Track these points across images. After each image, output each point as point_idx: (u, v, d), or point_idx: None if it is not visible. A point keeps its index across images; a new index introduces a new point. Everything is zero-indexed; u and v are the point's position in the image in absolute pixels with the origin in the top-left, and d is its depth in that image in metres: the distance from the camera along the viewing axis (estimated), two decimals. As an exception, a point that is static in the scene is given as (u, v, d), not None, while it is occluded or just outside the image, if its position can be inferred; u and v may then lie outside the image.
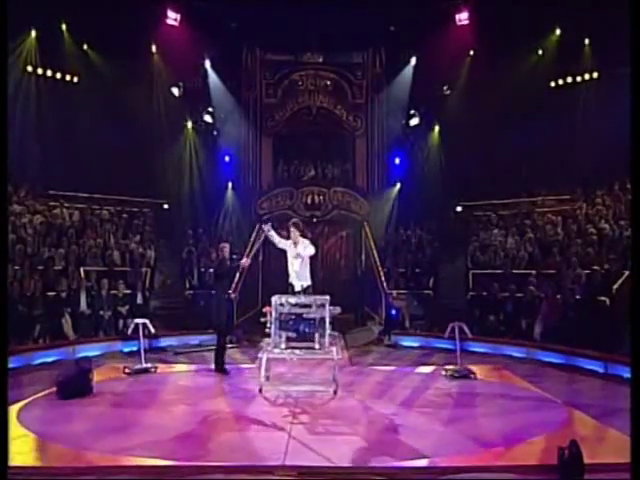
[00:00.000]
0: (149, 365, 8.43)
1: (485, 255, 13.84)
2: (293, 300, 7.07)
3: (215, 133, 15.95)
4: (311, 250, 7.52)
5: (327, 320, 6.94)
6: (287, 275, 7.81)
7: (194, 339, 11.05)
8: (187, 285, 13.11)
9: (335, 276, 15.91)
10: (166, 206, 15.50)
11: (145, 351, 8.84)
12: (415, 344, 11.22)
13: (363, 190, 16.27)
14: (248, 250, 13.13)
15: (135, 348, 9.53)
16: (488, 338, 10.47)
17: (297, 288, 7.42)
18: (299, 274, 7.56)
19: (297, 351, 6.93)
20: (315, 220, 16.01)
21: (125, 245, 13.46)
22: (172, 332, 10.82)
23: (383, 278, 13.07)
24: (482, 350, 10.25)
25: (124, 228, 14.40)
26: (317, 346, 6.96)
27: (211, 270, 12.83)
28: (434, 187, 15.50)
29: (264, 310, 7.30)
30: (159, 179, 14.77)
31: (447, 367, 8.34)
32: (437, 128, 16.14)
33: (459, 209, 15.55)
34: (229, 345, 10.56)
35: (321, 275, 15.99)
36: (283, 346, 7.00)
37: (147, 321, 8.63)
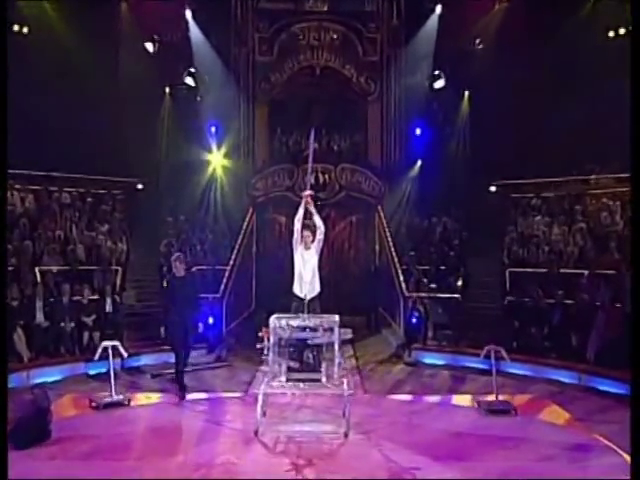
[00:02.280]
0: (121, 397, 8.12)
1: (525, 249, 13.39)
2: (295, 323, 6.86)
3: (198, 99, 15.68)
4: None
5: (336, 346, 6.77)
6: (290, 279, 7.49)
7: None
8: (165, 286, 12.17)
9: (343, 270, 16.01)
10: (140, 186, 15.24)
11: (116, 374, 8.59)
12: (440, 362, 10.96)
13: (377, 167, 16.16)
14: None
15: (104, 369, 9.18)
16: (529, 357, 10.13)
17: (302, 296, 7.17)
18: (309, 280, 7.30)
19: (300, 384, 6.79)
20: (319, 203, 15.92)
21: (91, 238, 13.12)
22: (148, 347, 10.45)
23: (401, 277, 12.80)
24: (522, 372, 9.89)
25: (89, 216, 13.99)
26: (324, 379, 6.83)
27: (195, 269, 12.71)
28: (462, 164, 15.34)
29: (260, 334, 7.38)
30: (131, 154, 14.35)
31: (481, 399, 8.07)
32: (467, 92, 15.86)
33: (493, 189, 15.10)
34: (215, 364, 10.58)
35: (327, 269, 15.73)
36: (283, 378, 6.86)
37: (117, 343, 8.25)
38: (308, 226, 7.47)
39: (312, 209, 7.27)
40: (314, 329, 6.83)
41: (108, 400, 8.00)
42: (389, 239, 14.64)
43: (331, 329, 6.78)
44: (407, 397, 8.72)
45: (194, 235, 14.59)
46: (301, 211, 7.23)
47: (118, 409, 7.95)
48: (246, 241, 15.04)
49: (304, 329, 6.85)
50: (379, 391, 9.08)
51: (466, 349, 10.93)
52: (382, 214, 15.59)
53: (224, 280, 12.74)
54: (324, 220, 16.59)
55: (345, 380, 6.92)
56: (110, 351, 8.19)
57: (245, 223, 15.23)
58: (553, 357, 10.21)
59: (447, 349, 11.21)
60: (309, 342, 6.92)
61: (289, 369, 6.94)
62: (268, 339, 6.94)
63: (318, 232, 7.33)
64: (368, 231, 16.33)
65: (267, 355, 6.94)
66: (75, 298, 10.89)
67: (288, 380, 6.86)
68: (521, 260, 13.12)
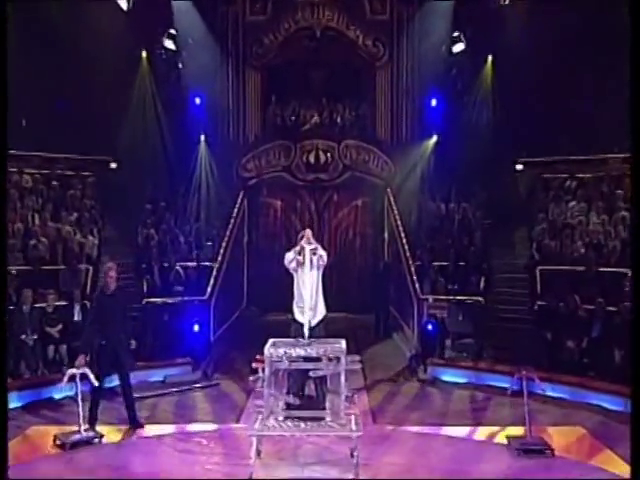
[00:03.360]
0: (91, 434, 7.68)
1: (558, 241, 12.87)
2: (295, 352, 6.57)
3: (180, 66, 15.29)
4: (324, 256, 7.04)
5: (343, 378, 6.51)
6: (286, 274, 7.23)
7: (156, 374, 10.46)
8: (145, 288, 12.34)
9: (348, 262, 16.15)
10: (114, 165, 14.92)
11: (84, 401, 8.01)
12: (461, 380, 10.62)
13: (386, 144, 16.03)
14: None
15: (72, 392, 8.57)
16: (564, 377, 9.73)
17: (307, 325, 6.82)
18: (311, 305, 6.98)
19: (301, 424, 6.53)
20: (320, 186, 16.00)
21: (56, 230, 12.63)
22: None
23: (415, 276, 12.57)
24: (557, 394, 9.46)
25: (54, 203, 13.46)
26: (329, 417, 6.57)
27: (179, 267, 12.60)
28: (485, 139, 14.80)
29: (254, 365, 7.05)
30: (103, 128, 13.96)
31: (511, 435, 7.63)
32: (490, 57, 15.31)
33: (520, 168, 14.83)
34: (201, 384, 10.19)
35: (329, 260, 15.82)
36: (281, 417, 6.60)
37: (87, 371, 7.73)
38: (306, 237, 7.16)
39: (311, 247, 6.95)
40: (317, 359, 6.57)
41: (77, 437, 7.55)
42: (400, 228, 14.45)
43: (337, 358, 6.51)
44: (423, 429, 8.30)
45: (177, 225, 14.30)
46: (292, 254, 6.95)
47: (87, 449, 7.51)
48: (236, 230, 15.00)
49: (305, 359, 6.58)
50: (390, 419, 8.73)
51: (490, 365, 10.67)
52: (392, 198, 15.38)
53: (211, 280, 12.66)
54: (325, 204, 16.74)
55: (353, 418, 6.61)
56: (77, 380, 7.68)
57: (235, 209, 15.07)
58: (593, 377, 9.72)
59: (468, 365, 10.89)
60: (311, 374, 6.69)
61: (288, 405, 6.69)
62: (262, 370, 6.61)
63: (321, 258, 7.11)
64: (376, 217, 16.25)
65: (261, 387, 6.62)
66: (38, 305, 10.48)
67: (286, 418, 6.58)
68: (554, 255, 12.61)
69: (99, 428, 7.93)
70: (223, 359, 11.64)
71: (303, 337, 6.79)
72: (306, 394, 7.01)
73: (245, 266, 16.02)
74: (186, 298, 11.74)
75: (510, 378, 9.30)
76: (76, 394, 7.79)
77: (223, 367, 11.25)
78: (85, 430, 7.64)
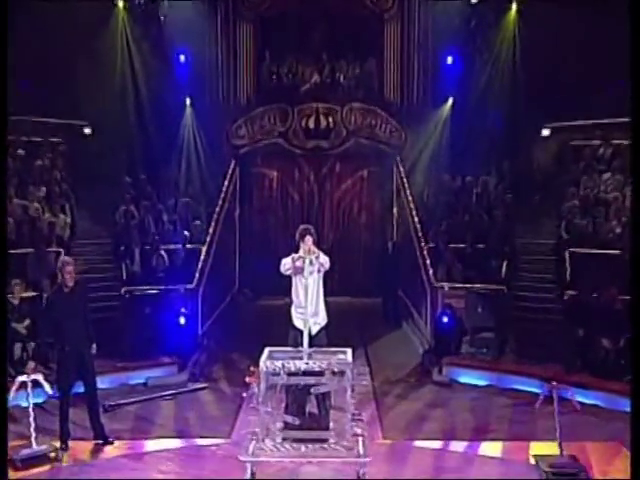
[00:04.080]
0: (43, 448, 7.29)
1: (590, 220, 12.45)
2: (294, 366, 6.37)
3: (162, 18, 14.87)
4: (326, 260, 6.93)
5: (349, 393, 6.33)
6: (288, 311, 7.20)
7: (137, 376, 10.20)
8: (124, 274, 12.08)
9: (352, 240, 16.14)
10: (88, 131, 14.73)
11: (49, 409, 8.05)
12: (481, 382, 10.33)
13: (395, 107, 15.77)
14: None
15: (40, 399, 8.48)
16: (598, 380, 9.51)
17: (307, 332, 6.64)
18: (312, 311, 6.86)
19: (302, 447, 6.36)
20: (321, 154, 15.79)
21: (22, 208, 12.25)
22: (101, 366, 9.28)
23: (428, 260, 12.33)
24: (590, 401, 9.10)
25: (20, 176, 13.00)
26: (333, 439, 6.42)
27: (163, 252, 12.38)
28: (507, 101, 14.61)
29: (247, 379, 6.67)
30: (74, 89, 13.83)
31: (539, 455, 7.23)
32: (514, 5, 14.82)
33: (546, 134, 14.57)
34: (188, 388, 9.92)
35: (330, 237, 15.88)
36: (278, 439, 6.41)
37: (39, 377, 7.45)
38: (310, 232, 6.99)
39: (312, 255, 6.76)
40: (319, 373, 6.41)
41: (26, 453, 7.18)
42: (411, 204, 14.23)
43: (342, 372, 6.35)
44: (439, 444, 8.02)
45: (160, 200, 14.00)
46: (289, 261, 6.80)
47: (44, 467, 7.17)
48: (227, 205, 14.80)
49: (305, 373, 6.40)
50: (402, 432, 8.43)
51: (514, 365, 10.45)
52: (402, 168, 15.19)
53: (199, 264, 12.37)
54: (326, 175, 16.51)
55: (360, 440, 6.41)
56: (29, 388, 7.34)
57: (226, 182, 14.84)
58: (631, 382, 9.22)
59: (489, 366, 10.62)
60: (312, 391, 6.52)
61: (286, 426, 6.50)
62: (258, 385, 6.42)
63: (322, 265, 6.92)
64: (384, 189, 16.08)
65: (256, 404, 6.42)
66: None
67: (284, 440, 6.39)
68: (585, 236, 12.21)
69: (59, 443, 7.59)
70: (213, 356, 11.42)
71: (303, 346, 6.58)
72: (307, 411, 6.82)
73: (237, 244, 15.86)
74: (171, 287, 11.38)
75: (536, 381, 9.38)
76: (32, 403, 7.49)
77: (213, 366, 11.06)
78: (37, 444, 7.32)
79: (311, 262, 6.70)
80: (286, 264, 6.85)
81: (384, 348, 12.12)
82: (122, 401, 9.19)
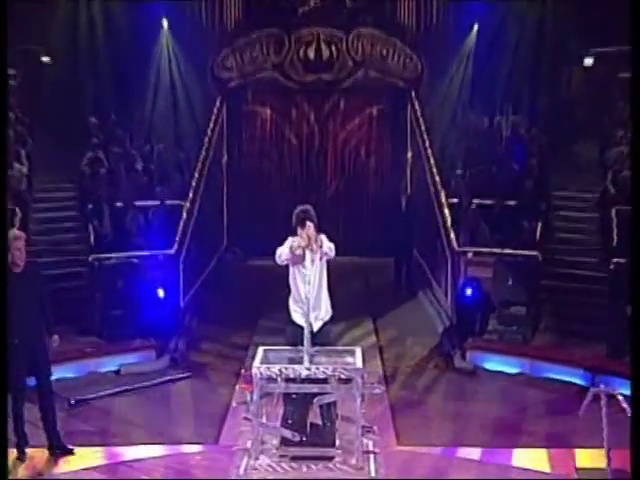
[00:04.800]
0: None
1: (640, 170, 12.20)
2: (293, 372, 6.15)
3: None
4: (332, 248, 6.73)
5: (358, 404, 6.12)
6: (285, 303, 6.95)
7: (108, 363, 10.01)
8: (92, 238, 11.85)
9: (358, 190, 16.11)
10: (46, 59, 14.48)
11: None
12: (511, 369, 10.16)
13: (411, 33, 15.51)
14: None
15: None
16: None
17: (307, 328, 6.41)
18: (313, 305, 6.62)
19: (302, 466, 6.15)
20: (323, 89, 15.68)
21: None
22: (65, 352, 9.16)
23: (448, 220, 12.13)
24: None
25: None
26: (339, 457, 6.21)
27: (137, 208, 12.44)
28: (542, 26, 14.48)
29: (239, 385, 6.67)
30: (29, 7, 13.47)
31: (583, 468, 7.03)
32: None
33: (589, 63, 14.33)
34: (168, 378, 9.74)
35: (332, 188, 16.14)
36: (275, 457, 6.24)
37: None
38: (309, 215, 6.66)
39: (315, 245, 6.51)
40: (323, 380, 6.17)
41: None
42: (428, 148, 14.01)
43: (349, 380, 6.16)
44: (464, 452, 7.76)
45: (133, 146, 13.80)
46: (286, 251, 6.47)
47: None
48: (213, 150, 14.78)
49: (307, 381, 6.18)
50: (419, 436, 8.16)
51: (549, 350, 10.31)
52: (418, 106, 14.98)
53: (181, 224, 12.22)
54: (329, 114, 16.19)
55: (372, 458, 6.26)
56: None
57: (211, 123, 14.69)
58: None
59: (520, 350, 10.49)
60: (315, 402, 6.29)
61: (284, 441, 6.27)
62: (251, 394, 6.18)
63: (326, 254, 6.71)
64: (396, 131, 15.93)
65: (249, 417, 6.21)
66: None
67: (282, 457, 6.21)
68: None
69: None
70: (198, 335, 11.34)
71: (304, 344, 6.33)
72: (309, 422, 6.53)
73: (225, 196, 15.87)
74: (147, 252, 11.22)
75: (575, 370, 9.43)
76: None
77: (198, 347, 10.97)
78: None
79: (312, 251, 6.45)
80: (282, 254, 6.51)
81: (396, 323, 12.02)
82: (90, 395, 9.01)
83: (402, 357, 10.62)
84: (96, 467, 7.31)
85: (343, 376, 6.08)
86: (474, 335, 10.67)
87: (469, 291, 10.93)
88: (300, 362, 6.19)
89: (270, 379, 6.07)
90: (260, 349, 6.41)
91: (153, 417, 8.68)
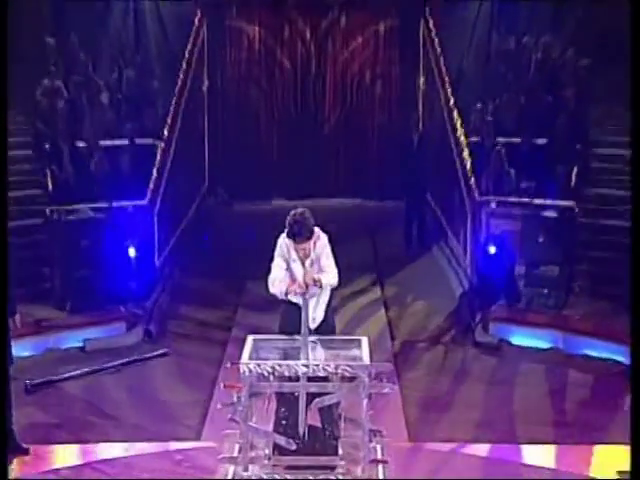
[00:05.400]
0: None
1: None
2: (288, 369, 6.08)
3: None
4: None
5: (365, 405, 6.02)
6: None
7: (71, 338, 9.87)
8: (50, 185, 11.45)
9: (362, 121, 16.07)
10: None
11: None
12: (542, 344, 9.98)
13: None
14: None
15: None
16: None
17: (305, 314, 6.44)
18: (313, 308, 6.68)
19: (299, 476, 6.16)
20: (321, 3, 15.78)
21: None
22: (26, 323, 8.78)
23: (468, 162, 11.83)
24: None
25: None
26: (342, 468, 6.20)
27: (102, 149, 12.21)
28: None
29: (223, 383, 6.46)
30: None
31: (624, 472, 6.62)
32: None
33: None
34: (141, 357, 9.58)
35: (333, 119, 16.08)
36: (268, 468, 6.26)
37: None
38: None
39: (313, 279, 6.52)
40: (324, 378, 6.11)
41: None
42: (444, 73, 13.73)
43: (352, 378, 6.07)
44: (486, 450, 7.57)
45: (97, 74, 13.29)
46: (281, 288, 6.47)
47: None
48: (192, 75, 14.59)
49: (305, 378, 6.10)
50: (433, 430, 8.01)
51: (585, 322, 10.01)
52: (432, 21, 14.81)
53: (155, 167, 11.91)
54: (328, 31, 15.92)
55: (381, 469, 6.21)
56: None
57: (189, 43, 14.41)
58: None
59: (553, 321, 10.17)
60: (313, 406, 6.21)
61: (277, 449, 6.24)
62: (238, 394, 6.07)
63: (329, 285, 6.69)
64: (406, 53, 15.86)
65: (236, 420, 6.10)
66: None
67: (275, 467, 6.23)
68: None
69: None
70: (176, 300, 11.23)
71: (300, 334, 6.34)
72: (306, 425, 6.35)
73: (206, 129, 15.68)
74: (115, 204, 10.97)
75: (620, 345, 9.13)
76: None
77: (177, 315, 10.88)
78: None
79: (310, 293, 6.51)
80: (276, 290, 6.50)
81: (407, 284, 11.95)
82: (51, 377, 8.81)
83: (414, 329, 10.57)
84: (57, 469, 7.15)
85: (347, 372, 5.99)
86: (498, 300, 10.53)
87: (492, 248, 10.79)
88: (296, 356, 6.13)
89: (261, 376, 5.99)
90: (249, 339, 6.32)
91: (123, 405, 8.51)
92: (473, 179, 11.65)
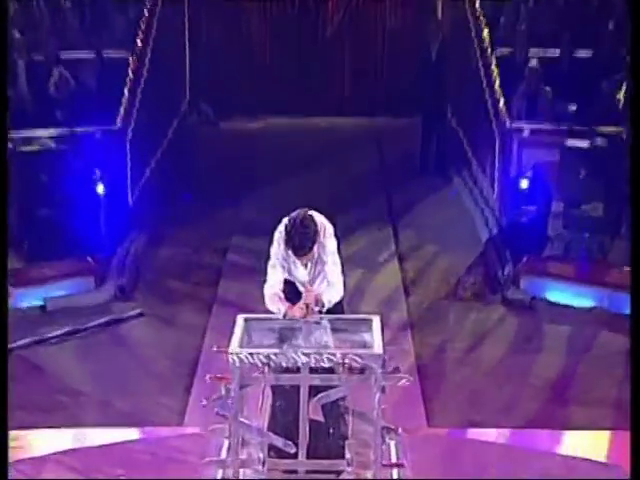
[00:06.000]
0: None
1: None
2: (286, 358, 5.99)
3: None
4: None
5: (377, 403, 5.94)
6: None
7: (30, 295, 9.67)
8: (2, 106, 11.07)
9: (369, 23, 16.19)
10: None
11: None
12: (583, 302, 9.77)
13: None
14: None
15: None
16: None
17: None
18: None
19: None
20: None
21: None
22: None
23: (496, 79, 11.54)
24: None
25: None
26: (348, 473, 6.14)
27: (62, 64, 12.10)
28: None
29: (209, 376, 6.34)
30: None
31: None
32: None
33: None
34: (112, 317, 9.47)
35: (337, 20, 16.02)
36: (262, 474, 6.15)
37: None
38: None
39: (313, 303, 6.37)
40: (328, 369, 6.03)
41: None
42: None
43: (362, 370, 6.03)
44: (514, 435, 7.50)
45: None
46: (279, 309, 6.35)
47: None
48: None
49: (307, 369, 6.01)
50: (458, 411, 7.84)
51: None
52: None
53: (126, 88, 11.61)
54: None
55: (396, 472, 6.19)
56: None
57: None
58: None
59: (594, 275, 9.98)
60: (316, 402, 6.08)
61: (272, 450, 6.13)
62: (227, 389, 6.01)
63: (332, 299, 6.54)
64: None
65: (225, 416, 6.06)
66: None
67: (272, 472, 6.18)
68: None
69: None
70: (153, 248, 11.03)
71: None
72: (307, 423, 6.26)
73: (186, 32, 15.42)
74: (80, 130, 10.73)
75: None
76: None
77: (155, 266, 10.71)
78: None
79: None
80: (274, 309, 6.37)
81: (424, 227, 11.83)
82: (9, 344, 8.40)
83: (432, 280, 10.46)
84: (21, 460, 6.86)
85: (355, 362, 5.88)
86: (532, 249, 10.37)
87: (525, 183, 10.77)
88: (295, 340, 6.06)
89: (254, 365, 5.89)
90: (239, 319, 6.15)
91: (91, 379, 8.29)
92: (502, 100, 11.45)
